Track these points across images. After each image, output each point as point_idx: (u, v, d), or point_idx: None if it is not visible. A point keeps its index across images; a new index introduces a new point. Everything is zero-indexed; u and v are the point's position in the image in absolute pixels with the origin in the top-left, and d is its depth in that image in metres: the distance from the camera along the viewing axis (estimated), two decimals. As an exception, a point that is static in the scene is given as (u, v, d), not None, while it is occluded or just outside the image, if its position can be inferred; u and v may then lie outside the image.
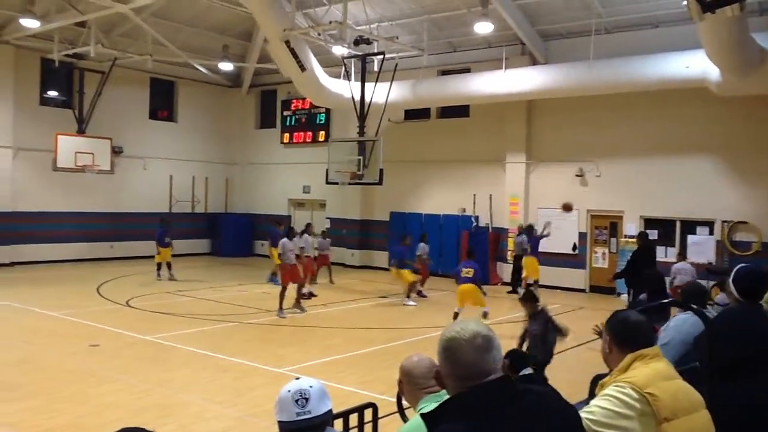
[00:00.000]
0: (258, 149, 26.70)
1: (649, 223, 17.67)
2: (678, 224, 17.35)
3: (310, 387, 2.76)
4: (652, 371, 2.76)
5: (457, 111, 21.09)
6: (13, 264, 20.52)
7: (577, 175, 18.79)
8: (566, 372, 9.09)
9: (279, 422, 2.75)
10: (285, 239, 14.58)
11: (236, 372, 9.46)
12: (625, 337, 2.94)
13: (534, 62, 18.99)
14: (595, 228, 18.86)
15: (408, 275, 16.11)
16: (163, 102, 25.30)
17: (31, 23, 18.24)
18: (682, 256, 15.09)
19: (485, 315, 12.31)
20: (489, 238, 19.77)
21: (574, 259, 18.78)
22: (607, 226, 18.67)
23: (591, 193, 18.70)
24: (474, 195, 20.66)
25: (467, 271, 12.37)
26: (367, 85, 18.21)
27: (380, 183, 17.34)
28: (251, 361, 9.95)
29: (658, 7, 16.74)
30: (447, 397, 2.17)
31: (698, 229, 17.07)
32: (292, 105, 25.34)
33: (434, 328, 12.46)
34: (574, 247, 18.67)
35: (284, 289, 14.02)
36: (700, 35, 12.82)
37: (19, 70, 20.89)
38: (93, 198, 22.66)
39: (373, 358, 10.55)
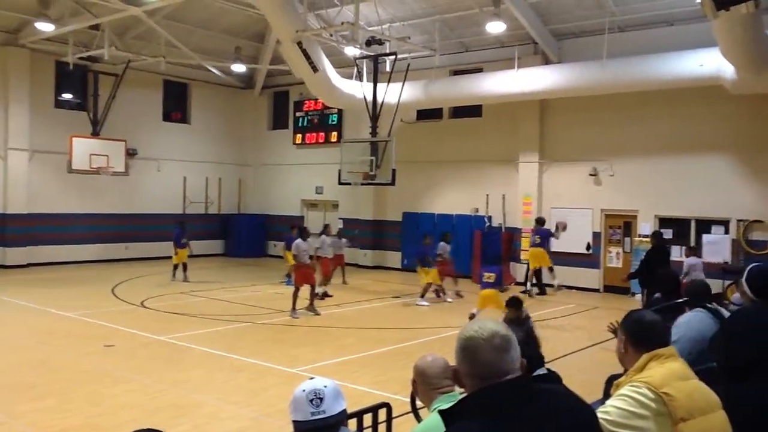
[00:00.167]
0: (271, 150, 26.79)
1: (664, 222, 17.55)
2: (693, 223, 17.22)
3: (325, 387, 2.76)
4: (668, 371, 2.75)
5: (470, 111, 21.05)
6: (29, 265, 20.72)
7: (591, 175, 18.70)
8: (580, 372, 9.06)
9: (294, 422, 2.75)
10: (299, 240, 14.59)
11: (250, 372, 9.49)
12: (641, 337, 2.93)
13: (547, 61, 18.93)
14: (609, 227, 18.77)
15: (433, 274, 16.10)
16: (176, 104, 25.44)
17: (46, 27, 18.41)
18: (692, 251, 15.00)
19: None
20: (502, 238, 19.70)
21: (587, 259, 18.69)
22: (621, 225, 18.57)
23: (605, 192, 18.60)
24: (487, 195, 20.60)
25: (489, 276, 12.31)
26: (379, 85, 18.23)
27: (393, 183, 17.35)
28: (265, 362, 9.98)
29: (671, 5, 16.62)
30: (460, 397, 2.17)
31: (713, 228, 16.94)
32: (305, 106, 25.41)
33: (448, 328, 12.46)
34: (588, 247, 18.57)
35: (297, 289, 14.05)
36: (714, 33, 12.73)
37: (34, 73, 21.09)
38: (107, 200, 22.83)
39: (387, 358, 10.55)
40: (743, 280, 4.36)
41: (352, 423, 4.06)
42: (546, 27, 18.67)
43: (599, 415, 2.50)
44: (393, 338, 12.07)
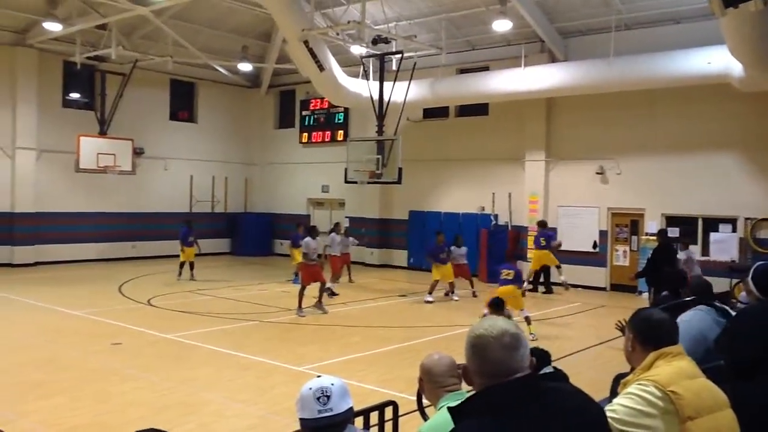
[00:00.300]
0: (277, 149, 26.83)
1: (671, 220, 17.51)
2: (700, 222, 17.17)
3: (332, 385, 2.77)
4: (676, 369, 2.74)
5: (476, 109, 21.02)
6: (36, 264, 20.82)
7: (598, 173, 18.65)
8: (588, 370, 9.06)
9: (301, 419, 2.77)
10: (309, 238, 14.58)
11: (257, 370, 9.51)
12: (648, 336, 2.92)
13: (553, 59, 18.88)
14: (616, 226, 18.72)
15: (445, 271, 16.16)
16: (183, 103, 25.50)
17: (53, 26, 18.48)
18: (685, 244, 15.01)
19: (527, 320, 11.80)
20: (508, 237, 19.68)
21: (594, 257, 18.66)
22: (628, 224, 18.52)
23: (611, 190, 18.56)
24: (493, 193, 20.59)
25: (507, 273, 12.14)
26: (385, 84, 18.24)
27: (399, 182, 17.36)
28: (272, 360, 10.01)
29: (679, 3, 16.56)
30: (467, 395, 2.17)
31: (721, 226, 16.87)
32: (311, 105, 25.43)
33: (454, 327, 12.46)
34: (595, 245, 18.55)
35: (304, 288, 14.07)
36: (722, 31, 12.68)
37: (42, 73, 21.18)
38: (115, 198, 22.91)
39: (393, 356, 10.56)
40: (749, 278, 4.34)
41: (359, 421, 4.07)
42: (552, 25, 18.62)
43: (606, 413, 2.50)
44: (399, 336, 12.08)
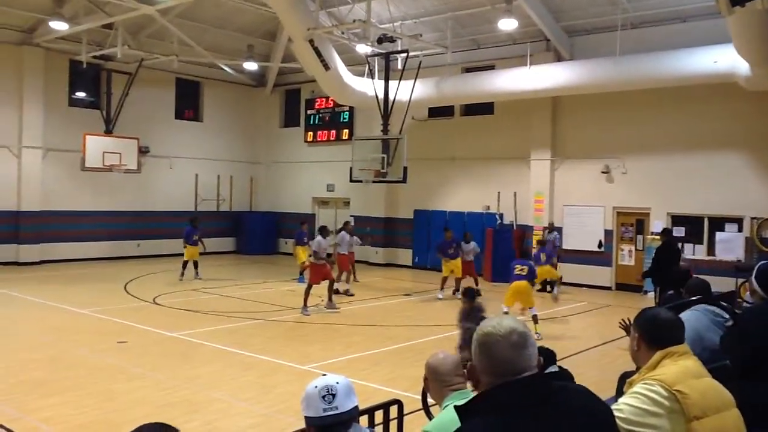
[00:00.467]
0: (282, 148, 26.85)
1: (677, 220, 17.46)
2: (706, 221, 17.12)
3: (337, 383, 2.77)
4: (682, 369, 2.74)
5: (482, 108, 21.00)
6: (42, 262, 20.88)
7: (603, 172, 18.61)
8: (593, 370, 9.05)
9: (306, 418, 2.77)
10: (320, 237, 14.60)
11: (262, 369, 9.53)
12: (654, 335, 2.92)
13: (559, 58, 18.85)
14: (621, 225, 18.68)
15: (455, 266, 16.27)
16: (188, 102, 25.54)
17: (60, 26, 18.53)
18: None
19: (535, 318, 11.81)
20: (514, 236, 19.66)
21: (599, 257, 18.63)
22: (634, 223, 18.48)
23: (617, 189, 18.52)
24: (498, 192, 20.57)
25: (521, 269, 12.11)
26: (390, 83, 18.22)
27: (404, 181, 17.35)
28: (276, 358, 10.02)
29: (685, 2, 16.52)
30: (472, 395, 2.16)
31: (727, 226, 16.82)
32: (316, 104, 25.44)
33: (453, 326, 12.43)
34: (600, 245, 18.51)
35: (310, 287, 14.07)
36: (728, 29, 12.63)
37: (48, 71, 21.24)
38: (120, 197, 22.96)
39: (397, 355, 10.56)
40: (753, 278, 4.33)
41: (364, 420, 4.07)
42: (558, 24, 18.59)
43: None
44: (403, 335, 12.08)
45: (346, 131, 24.29)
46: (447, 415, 3.00)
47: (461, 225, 20.34)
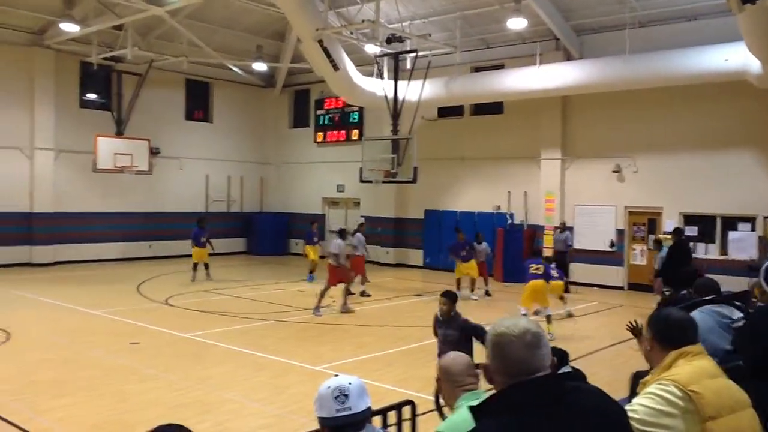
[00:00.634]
0: (292, 148, 26.90)
1: (689, 219, 17.36)
2: (719, 220, 17.01)
3: (350, 384, 2.78)
4: (696, 369, 2.72)
5: (491, 108, 20.96)
6: (55, 263, 21.02)
7: (614, 171, 18.53)
8: (605, 370, 9.01)
9: (319, 418, 2.77)
10: (340, 240, 14.69)
11: (274, 369, 9.55)
12: (667, 335, 2.90)
13: (568, 57, 18.78)
14: (633, 224, 18.59)
15: (469, 267, 16.28)
16: (198, 103, 25.64)
17: (70, 27, 18.65)
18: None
19: (548, 318, 11.83)
20: (524, 236, 19.61)
21: (611, 257, 18.54)
22: (646, 222, 18.39)
23: (628, 189, 18.43)
24: (509, 192, 20.53)
25: (537, 268, 12.08)
26: (400, 83, 18.22)
27: (414, 181, 17.35)
28: (288, 359, 10.04)
29: (694, 0, 16.42)
30: (485, 395, 2.16)
31: (739, 225, 16.70)
32: (326, 104, 25.47)
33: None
34: (612, 244, 18.43)
35: (328, 288, 14.13)
36: (739, 27, 12.54)
37: (59, 73, 21.37)
38: (131, 198, 23.08)
39: (409, 355, 10.56)
40: (761, 278, 4.29)
41: (377, 420, 4.07)
42: (567, 23, 18.53)
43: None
44: (415, 336, 12.06)
45: (355, 131, 24.30)
46: (460, 415, 3.00)
47: (472, 225, 20.31)
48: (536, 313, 12.31)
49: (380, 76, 18.79)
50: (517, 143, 20.33)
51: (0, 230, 20.24)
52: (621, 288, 18.44)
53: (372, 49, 18.39)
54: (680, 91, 16.84)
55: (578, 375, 2.76)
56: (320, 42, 16.60)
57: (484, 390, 2.96)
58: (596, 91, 17.71)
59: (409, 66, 18.29)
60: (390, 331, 12.57)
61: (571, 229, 18.94)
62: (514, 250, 19.03)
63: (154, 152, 23.04)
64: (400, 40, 17.85)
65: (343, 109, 24.67)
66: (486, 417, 2.00)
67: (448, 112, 21.93)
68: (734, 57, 14.64)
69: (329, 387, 2.76)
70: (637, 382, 2.98)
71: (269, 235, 26.15)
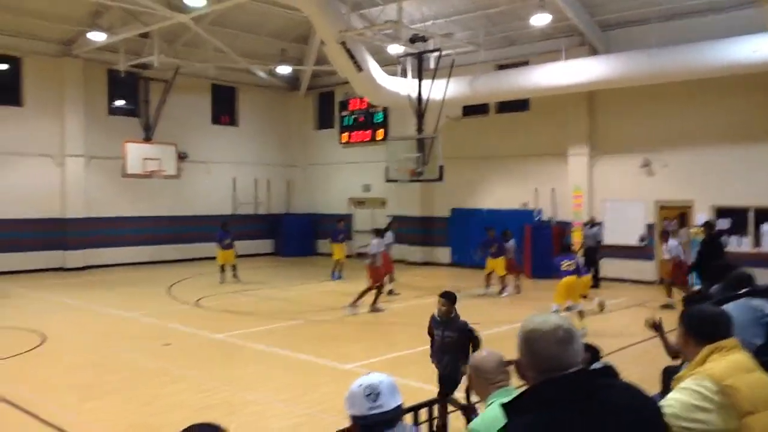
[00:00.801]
0: (317, 150, 27.02)
1: (721, 212, 17.09)
2: (752, 213, 16.72)
3: (381, 382, 2.78)
4: (731, 363, 2.69)
5: (516, 105, 20.85)
6: (86, 268, 21.37)
7: (643, 166, 18.30)
8: (636, 366, 8.92)
9: (351, 416, 2.78)
10: (380, 239, 14.99)
11: (303, 369, 9.60)
12: (701, 330, 2.88)
13: (594, 52, 18.60)
14: (664, 219, 18.34)
15: (497, 264, 16.25)
16: (224, 107, 25.87)
17: (98, 36, 18.96)
18: (667, 235, 14.91)
19: (581, 314, 11.78)
20: (553, 232, 19.46)
21: (642, 251, 18.30)
22: (677, 216, 18.14)
23: (658, 183, 18.20)
24: (536, 189, 20.40)
25: (569, 264, 12.03)
26: (423, 82, 18.20)
27: (440, 179, 17.32)
28: (317, 358, 10.09)
29: (721, -9, 16.21)
30: (516, 392, 2.16)
31: (773, 217, 16.41)
32: (350, 105, 25.54)
33: (499, 324, 12.38)
34: (641, 239, 18.19)
35: (370, 289, 14.33)
36: (766, 19, 12.32)
37: (88, 82, 21.74)
38: (160, 202, 23.39)
39: (438, 354, 10.51)
40: None
41: (408, 418, 4.08)
42: (592, 18, 18.35)
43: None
44: (444, 335, 12.02)
45: (380, 132, 24.33)
46: (491, 412, 2.99)
47: (499, 223, 20.18)
48: (568, 309, 12.23)
49: (404, 76, 18.79)
50: (544, 140, 20.19)
51: (33, 236, 20.65)
52: (652, 283, 18.21)
53: (395, 49, 18.39)
54: (708, 84, 16.59)
55: (610, 371, 2.74)
56: (343, 44, 16.65)
57: (516, 387, 2.96)
58: (623, 86, 17.52)
59: (432, 65, 18.25)
60: (419, 330, 12.47)
61: (600, 224, 18.74)
62: (542, 246, 18.90)
63: (181, 157, 23.31)
64: (424, 39, 17.82)
65: (367, 109, 24.71)
66: (518, 413, 2.00)
67: (473, 110, 21.85)
68: (763, 48, 14.40)
69: (361, 385, 2.77)
70: (668, 377, 2.96)
71: (296, 236, 26.29)
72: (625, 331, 12.32)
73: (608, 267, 18.22)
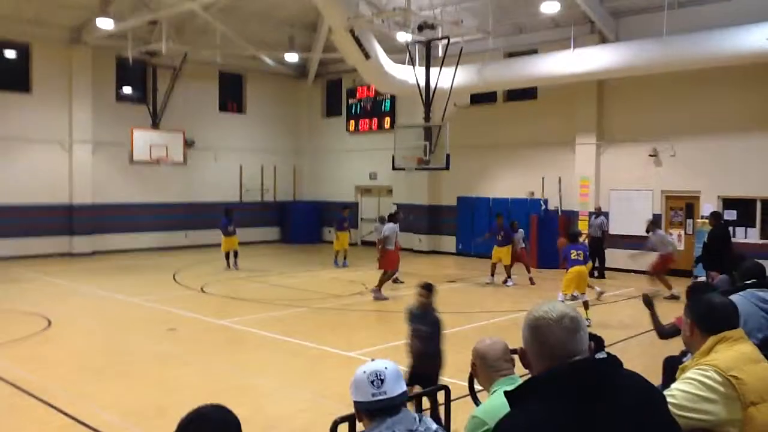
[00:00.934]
0: (325, 138, 27.00)
1: (728, 203, 17.00)
2: (759, 204, 16.63)
3: (386, 368, 2.79)
4: (737, 354, 2.68)
5: (525, 93, 20.75)
6: (94, 253, 21.48)
7: (651, 155, 18.21)
8: (640, 357, 8.91)
9: (355, 402, 2.79)
10: (393, 224, 15.14)
11: (308, 355, 9.64)
12: (707, 320, 2.87)
13: (603, 40, 18.46)
14: (671, 209, 18.27)
15: (503, 254, 16.24)
16: (232, 94, 25.87)
17: (106, 23, 18.91)
18: (654, 225, 14.80)
19: (585, 304, 11.82)
20: (559, 222, 19.42)
21: (647, 241, 18.22)
22: (683, 207, 18.06)
23: (665, 173, 18.11)
24: (543, 178, 20.34)
25: (578, 254, 12.01)
26: (431, 70, 18.12)
27: (447, 168, 17.29)
28: (322, 345, 10.12)
29: (734, -22, 16.02)
30: (520, 381, 2.15)
31: (781, 208, 16.32)
32: (358, 93, 25.48)
33: (504, 312, 12.39)
34: (648, 230, 18.08)
35: (388, 274, 14.53)
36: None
37: (96, 69, 21.76)
38: (167, 189, 23.45)
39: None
40: None
41: (410, 405, 4.09)
42: (602, 5, 18.21)
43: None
44: (448, 322, 11.88)
45: (387, 119, 24.29)
46: (496, 400, 3.00)
47: (505, 212, 20.13)
48: (573, 298, 12.22)
49: (412, 63, 18.71)
50: (552, 129, 20.10)
51: (41, 221, 20.75)
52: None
53: (403, 36, 18.29)
54: (719, 73, 16.45)
55: (614, 361, 2.73)
56: (351, 31, 16.60)
57: (520, 375, 2.96)
58: (632, 75, 17.40)
59: (440, 53, 18.17)
60: (424, 319, 12.55)
61: (606, 214, 18.68)
62: (548, 235, 18.85)
63: (189, 144, 23.32)
64: (432, 27, 17.72)
65: (375, 97, 24.66)
66: (522, 401, 1.99)
67: (481, 98, 21.76)
68: (775, 36, 14.26)
69: (365, 371, 2.78)
70: (668, 366, 2.95)
71: (303, 223, 26.33)
72: (630, 322, 12.31)
73: (614, 257, 18.16)
